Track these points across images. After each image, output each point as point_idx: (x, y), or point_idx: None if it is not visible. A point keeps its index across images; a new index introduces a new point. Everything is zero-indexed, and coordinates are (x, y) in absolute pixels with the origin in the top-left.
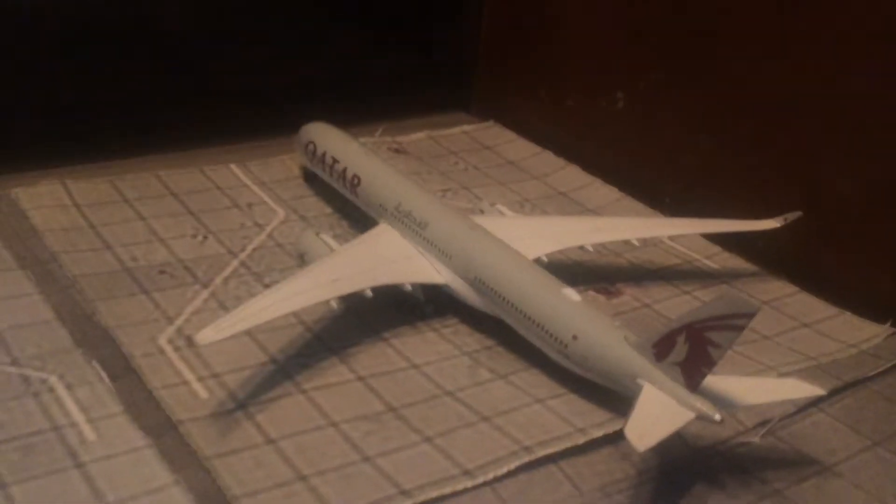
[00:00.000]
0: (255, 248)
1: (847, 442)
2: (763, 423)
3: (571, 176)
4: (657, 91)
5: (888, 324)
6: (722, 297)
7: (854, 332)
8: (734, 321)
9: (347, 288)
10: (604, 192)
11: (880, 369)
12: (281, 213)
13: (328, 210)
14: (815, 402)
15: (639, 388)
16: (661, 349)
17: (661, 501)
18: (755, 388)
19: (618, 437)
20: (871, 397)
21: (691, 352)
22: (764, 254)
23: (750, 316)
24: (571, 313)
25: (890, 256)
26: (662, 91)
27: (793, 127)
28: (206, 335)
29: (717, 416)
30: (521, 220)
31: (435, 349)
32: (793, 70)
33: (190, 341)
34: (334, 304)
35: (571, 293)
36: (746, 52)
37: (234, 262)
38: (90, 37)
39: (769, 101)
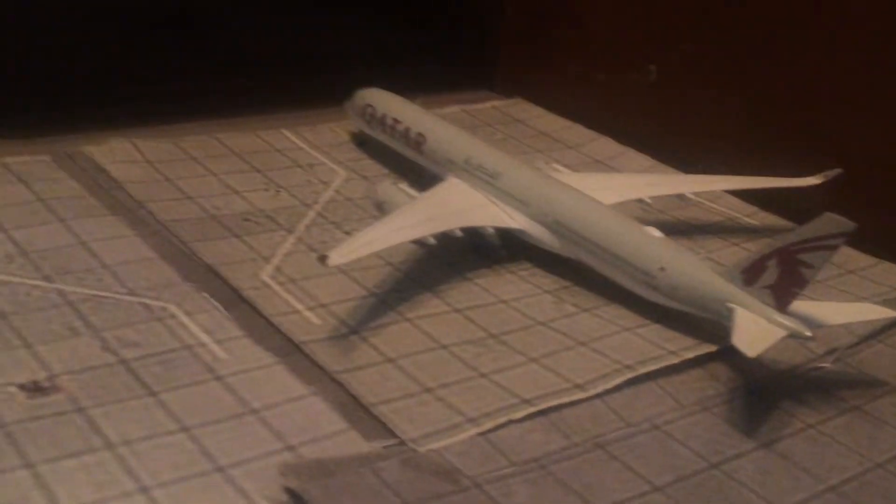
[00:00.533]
0: (326, 201)
1: None
2: (831, 351)
3: (605, 146)
4: (689, 61)
5: None
6: (819, 218)
7: (895, 278)
8: (830, 241)
9: (440, 226)
10: (638, 160)
11: None
12: (342, 172)
13: (385, 171)
14: (874, 334)
15: (729, 312)
16: (750, 274)
17: (753, 413)
18: (836, 310)
19: (705, 360)
20: None
21: (782, 274)
22: (800, 212)
23: (846, 235)
24: (657, 246)
25: None
26: (694, 61)
27: (823, 89)
28: (336, 258)
29: (808, 332)
30: (580, 175)
31: (517, 287)
32: (822, 33)
33: (322, 261)
34: (432, 240)
35: (653, 230)
36: (775, 17)
37: (311, 213)
38: (139, 11)
39: (799, 65)
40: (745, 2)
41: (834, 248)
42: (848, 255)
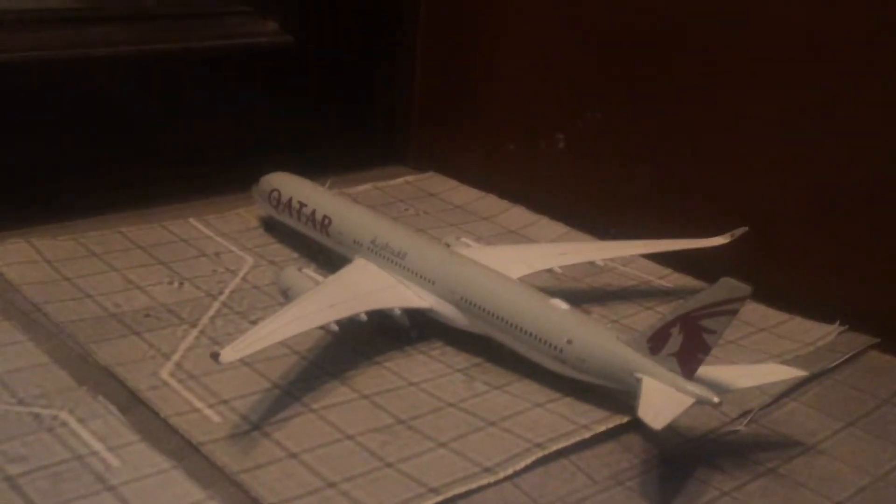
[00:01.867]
0: (232, 290)
1: (823, 424)
2: (745, 413)
3: (518, 215)
4: (596, 129)
5: (836, 323)
6: (717, 284)
7: (808, 333)
8: (728, 306)
9: (345, 312)
10: (551, 227)
11: (839, 361)
12: (249, 259)
13: (295, 255)
14: (787, 393)
15: (638, 382)
16: (655, 343)
17: (669, 484)
18: (743, 373)
19: (618, 433)
20: (836, 386)
21: (686, 341)
22: (711, 271)
23: (743, 299)
24: (563, 319)
25: (828, 263)
26: (601, 128)
27: (727, 150)
28: (229, 354)
29: (716, 399)
30: (489, 248)
31: (428, 368)
32: (722, 97)
33: (214, 358)
34: (335, 327)
35: (559, 302)
36: (679, 85)
37: (216, 304)
38: (42, 104)
39: (703, 128)
40: (647, 72)
41: (733, 312)
42: (761, 313)
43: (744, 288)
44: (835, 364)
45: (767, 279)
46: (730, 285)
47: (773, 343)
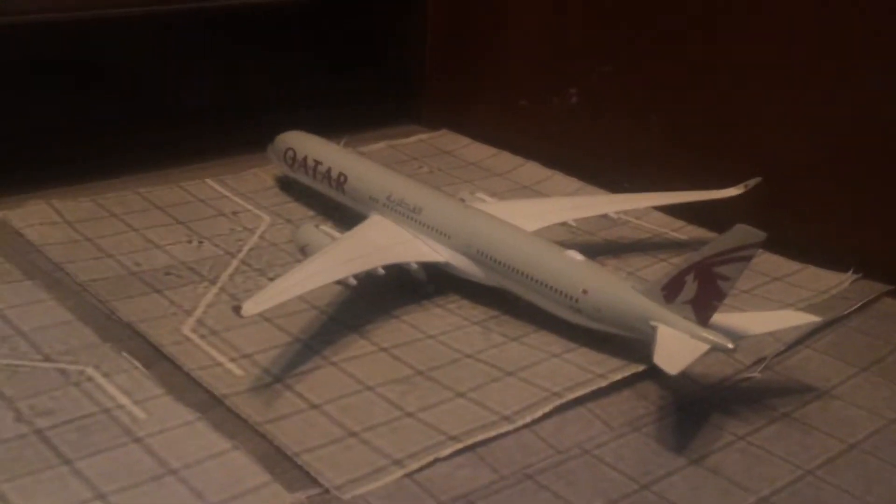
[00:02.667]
0: (250, 248)
1: (837, 370)
2: (760, 361)
3: (532, 171)
4: (608, 83)
5: (850, 271)
6: (731, 230)
7: (821, 281)
8: (743, 252)
9: (362, 266)
10: (565, 182)
11: (852, 308)
12: (266, 218)
13: (311, 213)
14: (801, 340)
15: (653, 330)
16: (669, 291)
17: (683, 429)
18: (758, 319)
19: (634, 381)
20: (850, 333)
21: (701, 288)
22: (725, 223)
23: (757, 245)
24: (578, 270)
25: (842, 212)
26: (613, 83)
27: (739, 100)
28: (251, 307)
29: (731, 345)
30: (504, 203)
31: (445, 321)
32: (735, 48)
33: (236, 311)
34: (353, 281)
35: (575, 254)
36: (689, 35)
37: (235, 261)
38: (58, 67)
39: (715, 79)
40: (659, 23)
41: (748, 258)
42: (775, 263)
43: (758, 234)
44: (848, 311)
45: (781, 229)
46: (744, 231)
47: (787, 292)
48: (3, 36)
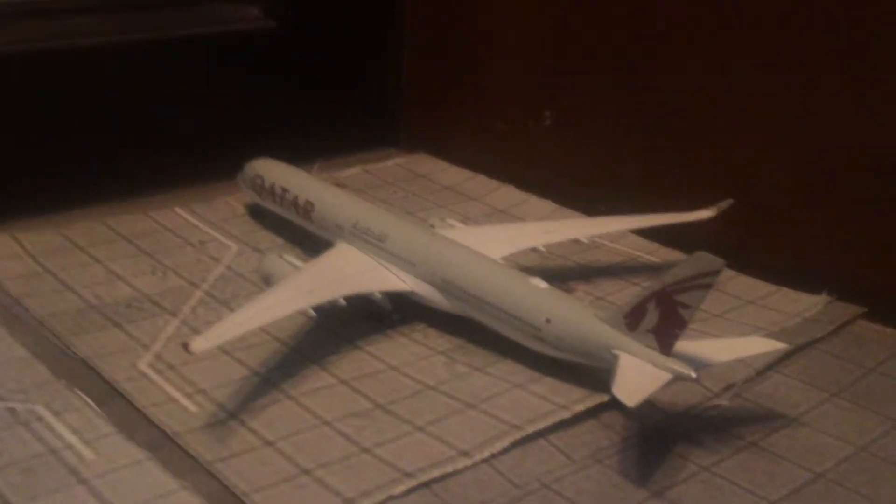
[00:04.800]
0: (216, 278)
1: (807, 396)
2: (728, 387)
3: (507, 195)
4: (583, 105)
5: (824, 293)
6: (691, 257)
7: (794, 304)
8: (702, 280)
9: (323, 297)
10: (540, 205)
11: (825, 332)
12: (234, 246)
13: (279, 241)
14: (772, 366)
15: (615, 359)
16: (632, 319)
17: (648, 461)
18: (723, 347)
19: (598, 411)
20: (821, 357)
21: (662, 316)
22: (699, 245)
23: (717, 273)
24: (542, 298)
25: (816, 234)
26: (588, 104)
27: (713, 125)
28: (200, 344)
29: (693, 374)
30: (473, 228)
31: (409, 351)
32: (707, 70)
33: (185, 348)
34: (312, 313)
35: (539, 281)
36: (663, 58)
37: (199, 292)
38: (23, 96)
39: (688, 104)
40: (633, 47)
41: (708, 286)
42: (748, 285)
43: (718, 261)
44: (821, 335)
45: (755, 251)
46: (703, 259)
47: (759, 315)
48: None
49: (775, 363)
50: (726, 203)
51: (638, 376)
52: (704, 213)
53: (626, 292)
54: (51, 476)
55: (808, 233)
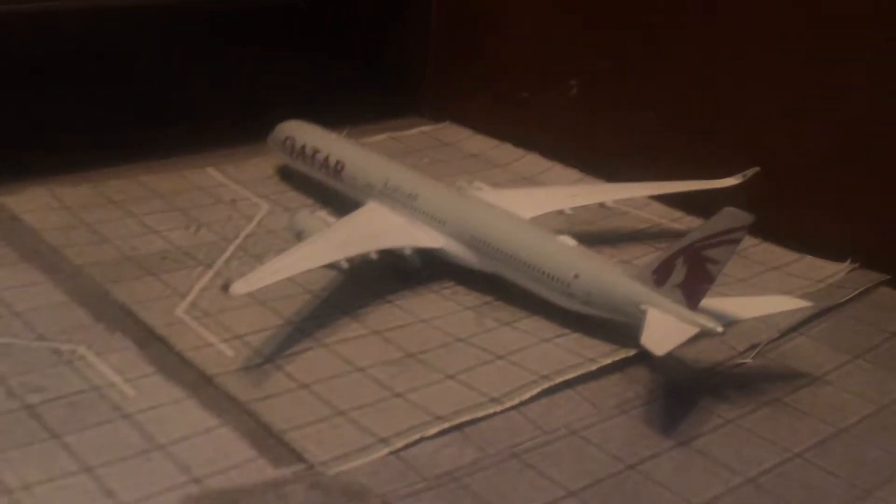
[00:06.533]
0: (247, 234)
1: (830, 357)
2: (753, 347)
3: (532, 163)
4: (608, 75)
5: (848, 261)
6: (720, 213)
7: (818, 271)
8: (731, 235)
9: (355, 250)
10: (565, 174)
11: (848, 297)
12: (265, 205)
13: (309, 201)
14: (795, 327)
15: (643, 314)
16: (660, 275)
17: (672, 412)
18: (749, 304)
19: (625, 365)
20: (844, 320)
21: (690, 272)
22: None
23: (745, 228)
24: (570, 255)
25: (840, 202)
26: (613, 74)
27: (738, 96)
28: (240, 286)
29: (719, 328)
30: (500, 192)
31: (438, 306)
32: (733, 40)
33: (224, 290)
34: (345, 265)
35: (567, 239)
36: (687, 29)
37: (232, 247)
38: (62, 58)
39: (714, 73)
40: (658, 17)
41: (736, 241)
42: (773, 252)
43: (745, 216)
44: (844, 300)
45: (779, 219)
46: (732, 214)
47: (783, 281)
48: (5, 25)
49: (798, 325)
50: (751, 171)
51: (666, 329)
52: (729, 181)
53: (651, 257)
54: (95, 411)
55: (833, 201)
